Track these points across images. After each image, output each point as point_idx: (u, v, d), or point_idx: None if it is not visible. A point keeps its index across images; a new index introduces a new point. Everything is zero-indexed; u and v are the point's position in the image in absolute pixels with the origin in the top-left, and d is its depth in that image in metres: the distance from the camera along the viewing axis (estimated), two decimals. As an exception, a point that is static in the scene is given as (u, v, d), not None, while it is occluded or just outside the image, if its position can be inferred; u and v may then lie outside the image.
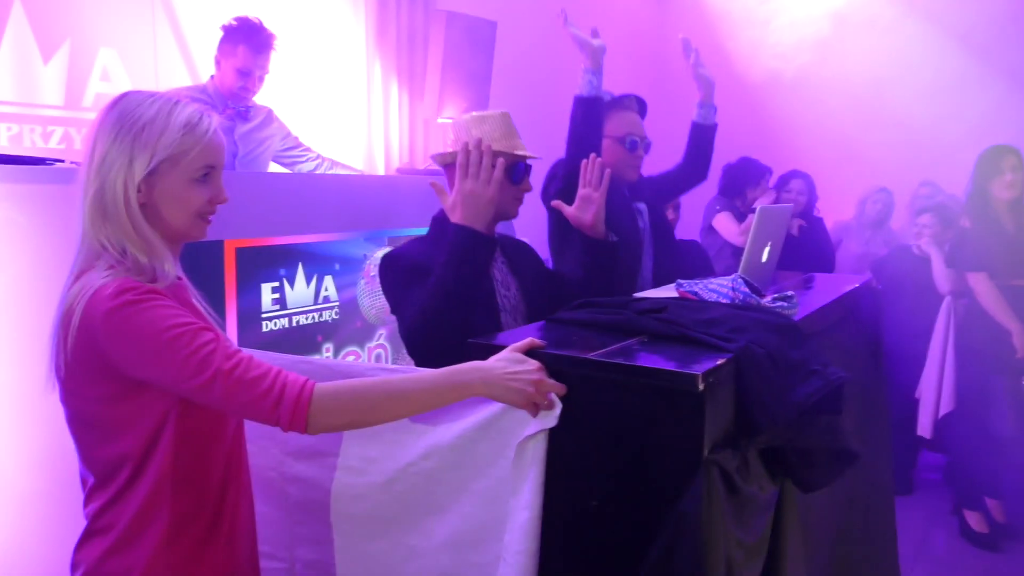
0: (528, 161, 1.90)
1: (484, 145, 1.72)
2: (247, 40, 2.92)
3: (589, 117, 2.44)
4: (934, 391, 3.80)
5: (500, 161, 1.74)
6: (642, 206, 2.70)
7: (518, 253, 2.04)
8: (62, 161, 2.20)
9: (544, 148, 2.00)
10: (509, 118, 1.89)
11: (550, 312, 2.01)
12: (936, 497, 4.07)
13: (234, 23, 2.97)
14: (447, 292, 1.67)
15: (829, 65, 5.38)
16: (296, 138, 3.36)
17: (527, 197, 1.94)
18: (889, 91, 5.12)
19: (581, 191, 1.99)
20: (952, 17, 5.04)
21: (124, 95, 1.27)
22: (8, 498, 1.94)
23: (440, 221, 1.89)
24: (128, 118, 1.23)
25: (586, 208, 1.97)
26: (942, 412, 3.77)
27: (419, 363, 1.91)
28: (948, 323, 3.78)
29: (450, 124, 1.91)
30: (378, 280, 1.88)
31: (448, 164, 1.88)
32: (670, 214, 3.47)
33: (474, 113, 1.90)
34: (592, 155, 2.02)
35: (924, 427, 3.86)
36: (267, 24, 3.04)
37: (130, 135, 1.22)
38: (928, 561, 3.46)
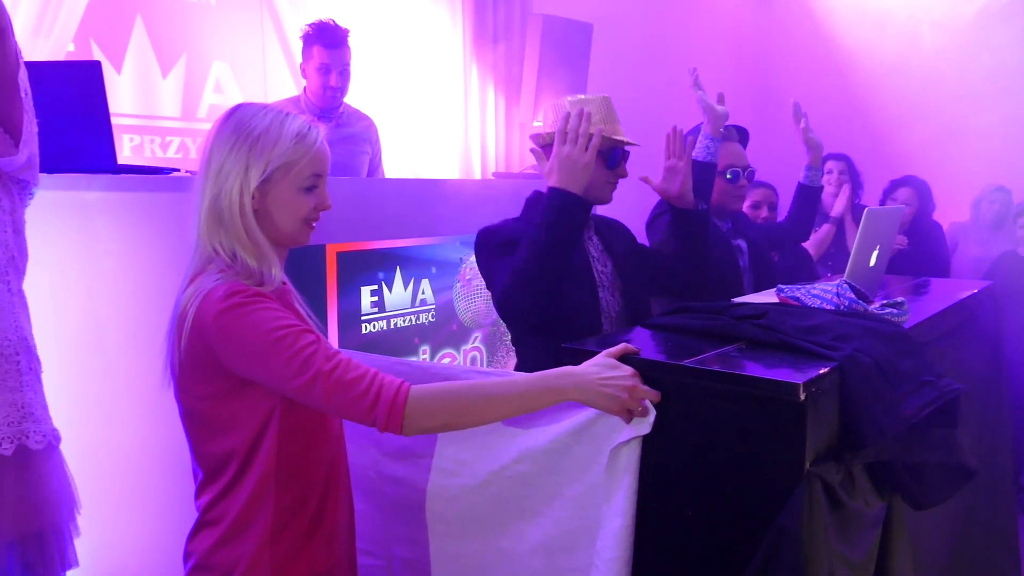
0: (626, 148, 1.91)
1: (585, 113, 1.75)
2: (320, 39, 2.97)
3: (701, 179, 2.41)
4: (1063, 404, 3.53)
5: (598, 130, 1.76)
6: (742, 243, 2.65)
7: (611, 231, 2.07)
8: (178, 170, 2.32)
9: (640, 149, 1.99)
10: (610, 102, 1.91)
11: (647, 289, 2.04)
12: (1066, 518, 3.79)
13: (308, 29, 3.02)
14: (539, 252, 1.69)
15: (941, 59, 5.09)
16: (376, 164, 3.32)
17: (621, 186, 1.95)
18: (1004, 82, 4.80)
19: (666, 162, 2.02)
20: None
21: (237, 107, 1.33)
22: (129, 491, 2.06)
23: (533, 201, 1.94)
24: (243, 129, 1.29)
25: (672, 179, 2.01)
26: (1072, 427, 3.50)
27: (513, 332, 1.97)
28: (1079, 331, 3.51)
29: (549, 106, 1.96)
30: (473, 257, 1.93)
31: (545, 144, 1.91)
32: (763, 212, 3.38)
33: (577, 95, 1.93)
34: (674, 126, 2.05)
35: (1051, 443, 3.60)
36: (366, 31, 3.09)
37: (246, 145, 1.28)
38: (1056, 587, 3.22)
